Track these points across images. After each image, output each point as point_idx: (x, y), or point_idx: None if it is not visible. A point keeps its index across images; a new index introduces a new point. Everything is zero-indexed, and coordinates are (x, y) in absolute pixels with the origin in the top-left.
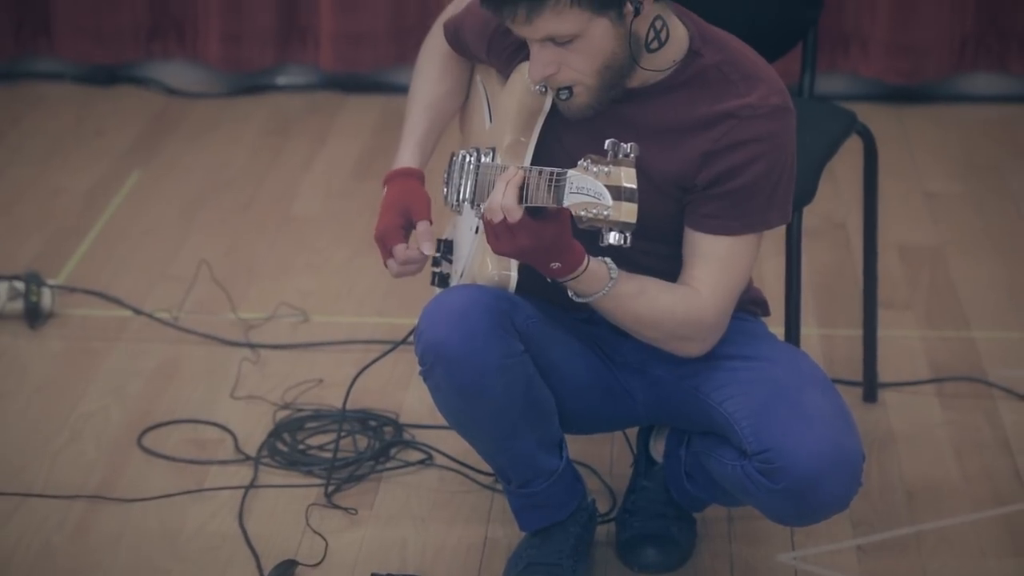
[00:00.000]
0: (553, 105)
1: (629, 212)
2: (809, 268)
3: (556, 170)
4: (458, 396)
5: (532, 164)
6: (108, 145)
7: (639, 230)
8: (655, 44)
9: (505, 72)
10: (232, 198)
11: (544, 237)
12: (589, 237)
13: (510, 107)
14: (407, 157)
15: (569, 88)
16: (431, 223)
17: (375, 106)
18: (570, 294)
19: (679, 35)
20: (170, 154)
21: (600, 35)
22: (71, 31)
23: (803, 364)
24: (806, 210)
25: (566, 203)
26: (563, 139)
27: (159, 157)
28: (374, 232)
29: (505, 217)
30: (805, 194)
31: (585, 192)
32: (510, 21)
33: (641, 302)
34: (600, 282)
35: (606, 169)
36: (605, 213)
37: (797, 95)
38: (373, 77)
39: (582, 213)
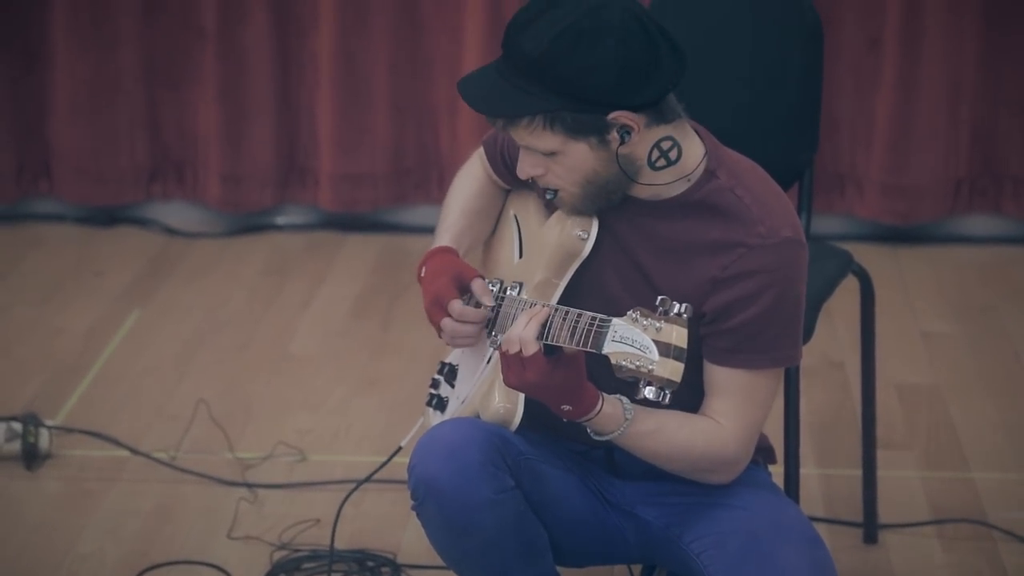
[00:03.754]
0: (590, 252)
1: (674, 371)
2: (807, 408)
3: (598, 316)
4: (449, 531)
5: (559, 304)
6: (108, 285)
7: None
8: (661, 163)
9: (548, 206)
10: (230, 337)
11: (553, 377)
12: (625, 386)
13: (547, 245)
14: (444, 241)
15: (555, 191)
16: (484, 280)
17: (374, 246)
18: (588, 431)
19: (694, 153)
20: (169, 294)
21: (580, 156)
22: (72, 173)
23: (784, 518)
24: (804, 349)
25: (606, 350)
26: (592, 283)
27: (158, 297)
28: (424, 302)
29: (521, 349)
30: (803, 333)
31: (629, 343)
32: (492, 125)
33: (659, 439)
34: (615, 423)
35: (657, 324)
36: (649, 368)
37: None
38: (372, 217)
39: (623, 363)
